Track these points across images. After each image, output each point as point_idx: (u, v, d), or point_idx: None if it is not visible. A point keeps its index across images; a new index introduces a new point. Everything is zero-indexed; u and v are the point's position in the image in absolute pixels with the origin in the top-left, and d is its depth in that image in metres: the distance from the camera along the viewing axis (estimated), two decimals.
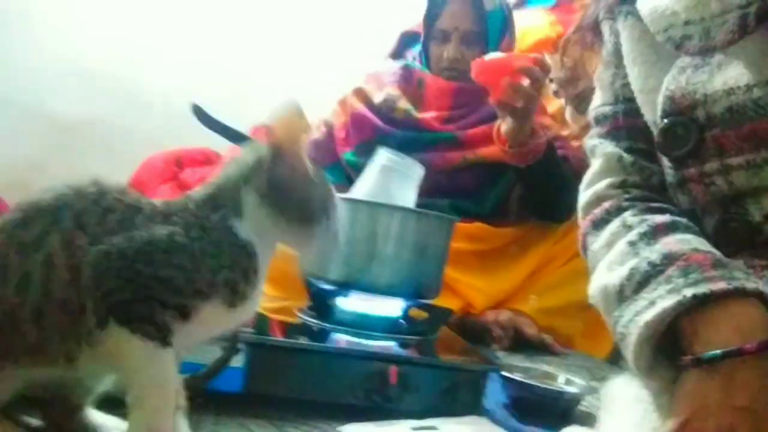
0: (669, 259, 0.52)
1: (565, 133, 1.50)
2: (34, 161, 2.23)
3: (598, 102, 0.68)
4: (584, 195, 0.66)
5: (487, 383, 0.77)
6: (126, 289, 0.50)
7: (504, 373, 0.84)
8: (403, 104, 1.45)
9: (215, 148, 2.08)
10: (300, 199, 0.55)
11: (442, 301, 1.27)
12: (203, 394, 0.62)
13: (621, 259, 0.56)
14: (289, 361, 0.68)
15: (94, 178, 0.55)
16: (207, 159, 2.04)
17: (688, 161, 0.56)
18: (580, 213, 0.66)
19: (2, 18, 2.27)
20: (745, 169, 0.53)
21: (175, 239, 0.51)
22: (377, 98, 1.47)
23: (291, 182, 0.54)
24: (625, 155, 0.63)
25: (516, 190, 1.42)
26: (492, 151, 1.39)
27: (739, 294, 0.47)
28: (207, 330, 0.55)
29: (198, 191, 0.56)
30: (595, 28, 0.70)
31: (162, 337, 0.50)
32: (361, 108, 1.47)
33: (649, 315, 0.49)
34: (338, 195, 0.84)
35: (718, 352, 0.46)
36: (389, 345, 0.81)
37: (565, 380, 0.89)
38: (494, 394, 0.83)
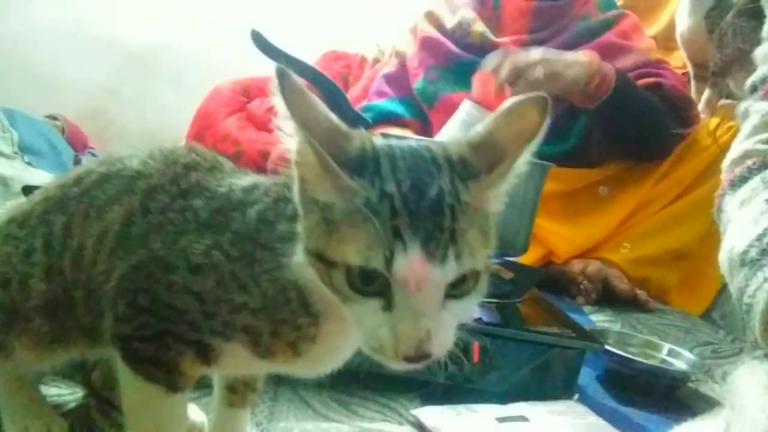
0: None
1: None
2: (107, 87, 2.23)
3: (755, 74, 0.62)
4: (730, 154, 0.59)
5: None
6: (136, 322, 0.40)
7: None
8: (479, 27, 1.30)
9: None
10: None
11: None
12: None
13: (755, 218, 0.50)
14: None
15: (193, 147, 0.46)
16: None
17: None
18: (723, 174, 0.59)
19: None
20: None
21: (212, 255, 0.39)
22: (450, 22, 1.32)
23: None
24: None
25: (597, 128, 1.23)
26: None
27: None
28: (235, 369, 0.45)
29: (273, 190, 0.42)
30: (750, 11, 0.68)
31: (171, 381, 0.40)
32: (432, 32, 1.33)
33: None
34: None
35: None
36: None
37: (669, 351, 0.79)
38: (587, 366, 0.74)
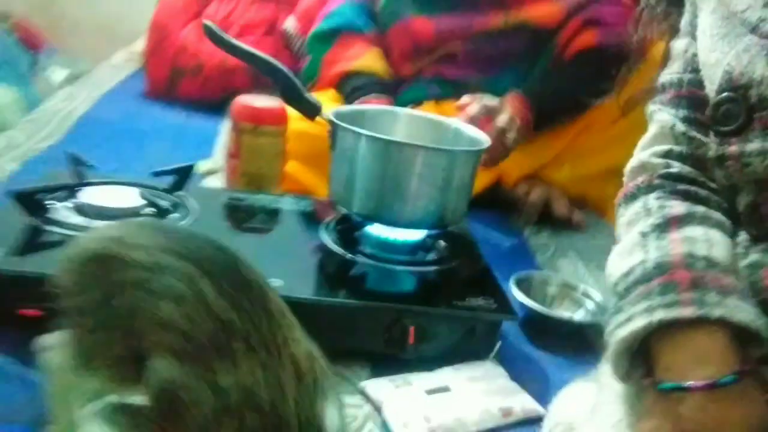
0: (660, 269, 0.53)
1: None
2: None
3: (669, 70, 0.66)
4: (633, 160, 0.66)
5: None
6: None
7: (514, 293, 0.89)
8: None
9: None
10: None
11: None
12: None
13: (630, 248, 0.57)
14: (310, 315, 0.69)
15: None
16: None
17: (732, 139, 0.56)
18: (624, 178, 0.66)
19: None
20: None
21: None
22: None
23: None
24: (678, 124, 0.62)
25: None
26: (538, 14, 1.26)
27: (703, 322, 0.49)
28: None
29: None
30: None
31: None
32: None
33: (624, 332, 0.52)
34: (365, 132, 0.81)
35: (669, 384, 0.49)
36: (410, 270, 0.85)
37: (582, 291, 0.94)
38: None
